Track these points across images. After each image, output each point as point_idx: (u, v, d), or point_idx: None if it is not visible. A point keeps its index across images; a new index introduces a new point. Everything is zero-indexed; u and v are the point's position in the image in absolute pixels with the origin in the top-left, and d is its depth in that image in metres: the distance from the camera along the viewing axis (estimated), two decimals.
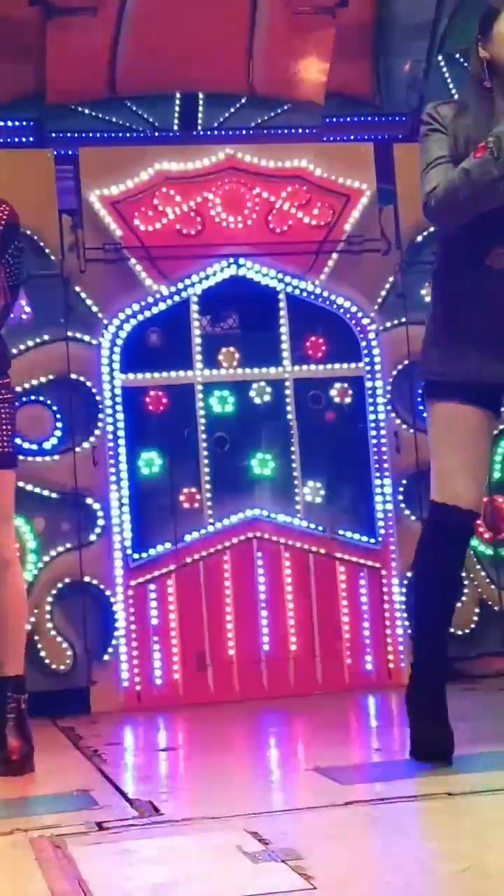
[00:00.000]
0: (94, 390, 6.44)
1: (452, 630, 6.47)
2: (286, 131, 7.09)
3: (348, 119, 7.09)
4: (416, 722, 4.14)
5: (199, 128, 7.10)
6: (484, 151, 3.90)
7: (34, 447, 6.36)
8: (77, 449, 6.39)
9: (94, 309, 6.49)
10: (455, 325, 4.16)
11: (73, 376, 6.43)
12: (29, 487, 6.28)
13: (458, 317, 4.15)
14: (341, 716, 5.89)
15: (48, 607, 6.30)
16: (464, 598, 6.58)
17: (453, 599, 4.31)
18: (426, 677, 4.16)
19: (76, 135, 6.88)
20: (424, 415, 4.36)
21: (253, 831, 3.25)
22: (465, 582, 6.56)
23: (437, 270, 4.31)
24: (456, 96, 6.93)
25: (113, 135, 6.94)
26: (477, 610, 6.61)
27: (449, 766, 3.96)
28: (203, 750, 5.22)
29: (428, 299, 6.59)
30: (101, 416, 6.43)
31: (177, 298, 6.60)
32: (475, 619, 6.59)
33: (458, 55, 7.01)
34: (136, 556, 6.41)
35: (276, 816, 3.52)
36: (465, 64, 4.31)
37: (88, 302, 6.49)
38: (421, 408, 6.54)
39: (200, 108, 7.11)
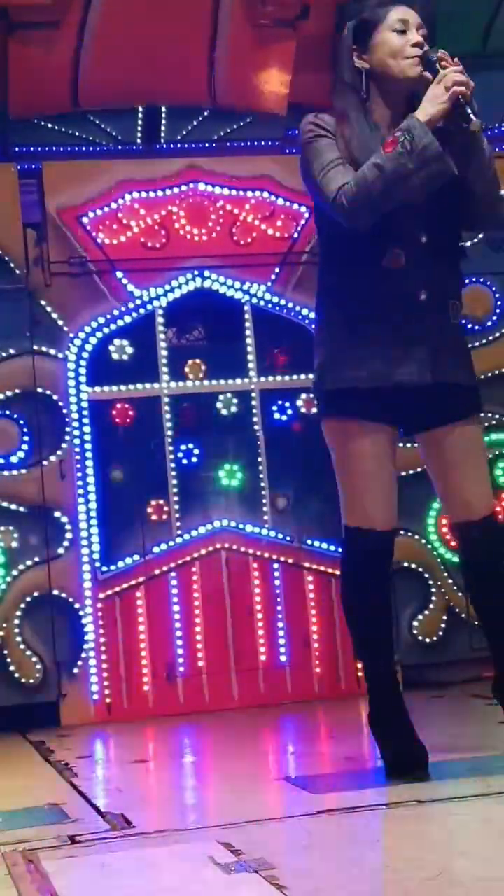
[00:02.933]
0: (60, 404, 6.45)
1: (420, 638, 6.55)
2: (249, 143, 7.11)
3: None
4: (385, 743, 4.12)
5: (162, 140, 7.12)
6: (395, 145, 3.84)
7: (1, 461, 6.36)
8: (44, 463, 6.40)
9: (60, 322, 6.50)
10: (358, 330, 4.02)
11: (40, 390, 6.43)
12: None
13: (360, 320, 4.02)
14: (311, 725, 5.91)
15: (17, 621, 6.29)
16: (431, 606, 6.62)
17: (389, 619, 4.20)
18: (385, 699, 4.13)
19: (40, 149, 6.88)
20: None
21: (225, 842, 3.26)
22: (433, 590, 6.60)
23: (326, 274, 4.15)
24: None
25: (76, 148, 6.94)
26: (445, 618, 6.64)
27: (427, 778, 3.96)
28: (174, 761, 5.23)
29: None
30: (67, 429, 6.43)
31: (142, 311, 6.62)
32: (443, 626, 6.62)
33: None
34: (104, 568, 6.42)
35: (248, 827, 3.52)
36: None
37: (54, 316, 6.49)
38: None
39: (163, 121, 7.11)
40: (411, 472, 6.47)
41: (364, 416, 4.02)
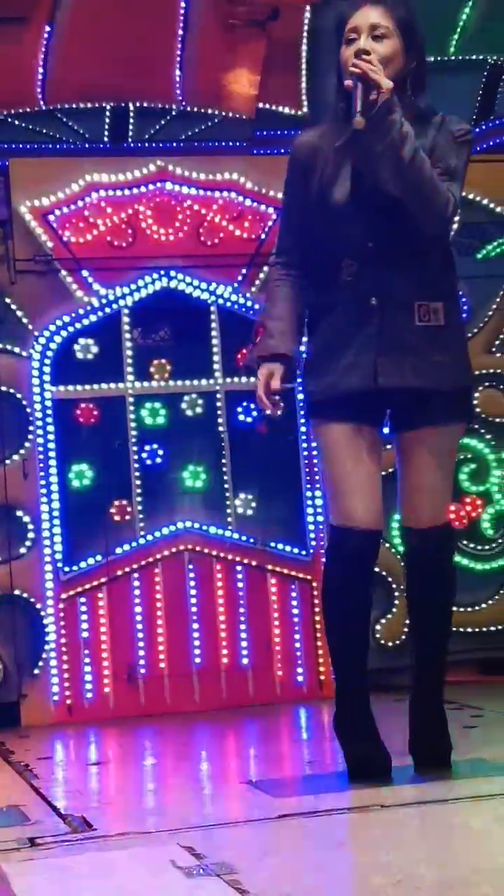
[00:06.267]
0: (24, 402, 6.41)
1: (384, 642, 6.54)
2: (216, 144, 7.08)
3: (278, 132, 7.09)
4: (349, 746, 4.11)
5: (130, 140, 7.09)
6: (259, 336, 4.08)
7: None
8: (7, 461, 6.36)
9: (25, 321, 6.46)
10: (322, 340, 4.13)
11: (3, 388, 6.39)
12: None
13: (324, 332, 4.12)
14: (273, 728, 5.90)
15: None
16: (394, 610, 6.62)
17: (366, 623, 4.23)
18: (352, 702, 4.12)
19: (6, 146, 6.84)
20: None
21: (187, 846, 3.24)
22: (396, 593, 6.59)
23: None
24: None
25: (44, 146, 6.90)
26: (407, 621, 6.62)
27: (390, 783, 3.96)
28: (135, 764, 5.21)
29: None
30: (31, 428, 6.40)
31: (108, 310, 6.59)
32: (406, 630, 6.61)
33: None
34: (66, 569, 6.38)
35: (210, 830, 3.51)
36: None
37: (19, 314, 6.45)
38: None
39: (131, 121, 7.08)
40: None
41: (339, 417, 4.03)
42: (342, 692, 4.14)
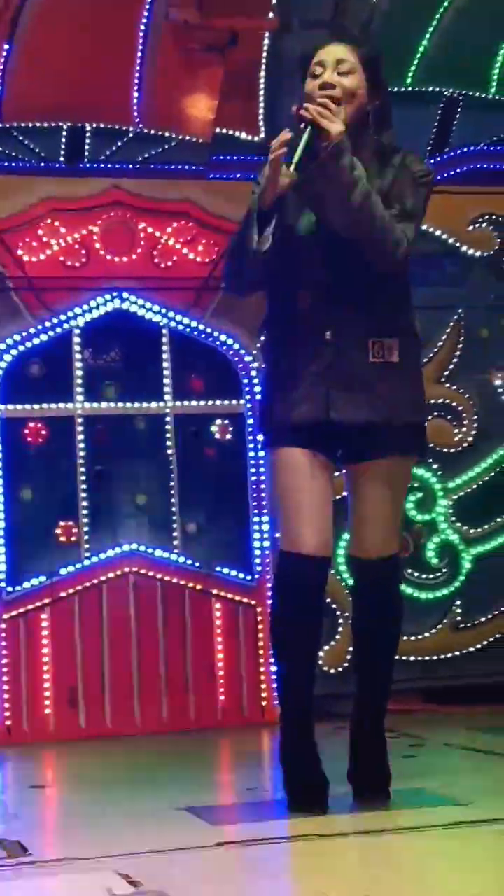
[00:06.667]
0: None
1: (326, 668, 6.53)
2: (173, 167, 7.09)
3: (235, 157, 7.12)
4: (291, 772, 4.09)
5: (86, 160, 7.08)
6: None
7: None
8: None
9: None
10: (278, 368, 4.14)
11: None
12: None
13: (281, 360, 4.13)
14: (213, 754, 5.87)
15: None
16: (337, 637, 6.62)
17: (314, 650, 4.19)
18: (296, 730, 4.09)
19: None
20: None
21: (123, 873, 3.21)
22: (340, 620, 6.60)
23: (266, 312, 4.28)
24: None
25: None
26: (350, 648, 6.62)
27: (327, 812, 3.94)
28: (74, 788, 5.16)
29: None
30: None
31: (59, 330, 6.57)
32: (348, 657, 6.61)
33: None
34: (10, 589, 6.34)
35: (147, 857, 3.47)
36: None
37: None
38: None
39: (87, 141, 7.08)
40: None
41: (292, 444, 4.04)
42: (287, 719, 4.12)
